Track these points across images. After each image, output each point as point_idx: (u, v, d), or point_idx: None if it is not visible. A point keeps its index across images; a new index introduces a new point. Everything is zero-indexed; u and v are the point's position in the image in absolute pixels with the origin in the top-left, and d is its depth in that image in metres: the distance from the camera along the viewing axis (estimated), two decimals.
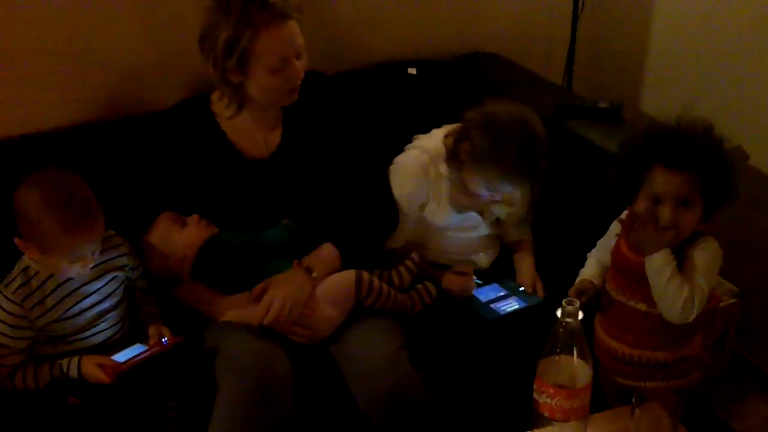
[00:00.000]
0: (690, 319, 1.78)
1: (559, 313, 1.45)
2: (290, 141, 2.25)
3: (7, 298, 1.87)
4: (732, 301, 2.52)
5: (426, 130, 2.37)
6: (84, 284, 1.94)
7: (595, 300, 1.95)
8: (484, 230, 2.32)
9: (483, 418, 2.01)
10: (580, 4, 2.98)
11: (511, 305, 2.23)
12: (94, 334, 1.98)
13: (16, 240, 1.85)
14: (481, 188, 2.17)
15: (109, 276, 1.99)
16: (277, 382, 1.91)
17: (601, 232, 2.04)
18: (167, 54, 2.44)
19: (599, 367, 1.82)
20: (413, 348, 2.03)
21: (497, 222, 2.39)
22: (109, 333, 2.00)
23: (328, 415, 1.99)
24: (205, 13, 2.10)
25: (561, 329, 1.46)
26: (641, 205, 1.79)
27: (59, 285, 1.91)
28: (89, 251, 1.88)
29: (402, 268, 2.20)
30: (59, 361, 1.91)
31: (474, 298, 2.26)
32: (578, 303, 1.45)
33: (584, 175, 2.42)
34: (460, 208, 2.28)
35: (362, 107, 2.38)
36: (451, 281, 2.26)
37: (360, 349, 2.03)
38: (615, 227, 1.96)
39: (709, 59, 2.87)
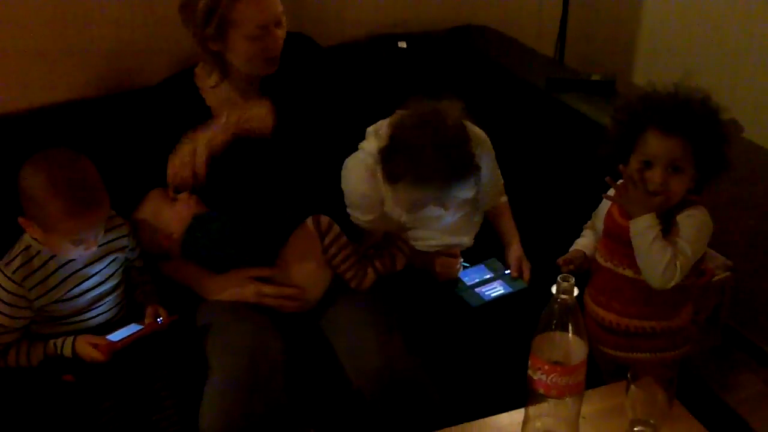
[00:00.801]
0: (670, 284, 1.76)
1: (554, 289, 1.43)
2: (279, 115, 2.19)
3: (6, 276, 1.86)
4: (725, 274, 2.52)
5: None
6: (85, 266, 1.93)
7: (585, 269, 1.94)
8: (449, 218, 2.22)
9: (476, 396, 2.00)
10: None
11: (496, 290, 2.22)
12: (93, 317, 1.98)
13: (20, 219, 1.84)
14: (424, 193, 2.09)
15: (110, 257, 1.98)
16: (269, 360, 1.91)
17: (594, 205, 2.03)
18: (155, 29, 2.41)
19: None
20: (403, 329, 2.02)
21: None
22: (107, 316, 2.00)
23: (320, 393, 1.98)
24: None
25: (556, 305, 1.44)
26: (633, 167, 1.78)
27: (61, 266, 1.90)
28: (93, 234, 1.87)
29: (395, 251, 2.17)
30: (53, 340, 1.91)
31: (459, 281, 2.25)
32: (573, 279, 1.42)
33: (577, 149, 2.41)
34: (415, 207, 2.18)
35: (350, 75, 2.37)
36: (436, 264, 2.23)
37: (350, 327, 2.02)
38: (611, 193, 1.95)
39: (702, 31, 2.86)
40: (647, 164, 1.76)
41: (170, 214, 2.09)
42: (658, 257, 1.74)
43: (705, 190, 1.83)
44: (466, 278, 2.25)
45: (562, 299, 1.43)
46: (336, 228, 2.07)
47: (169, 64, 2.37)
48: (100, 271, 1.96)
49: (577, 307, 1.45)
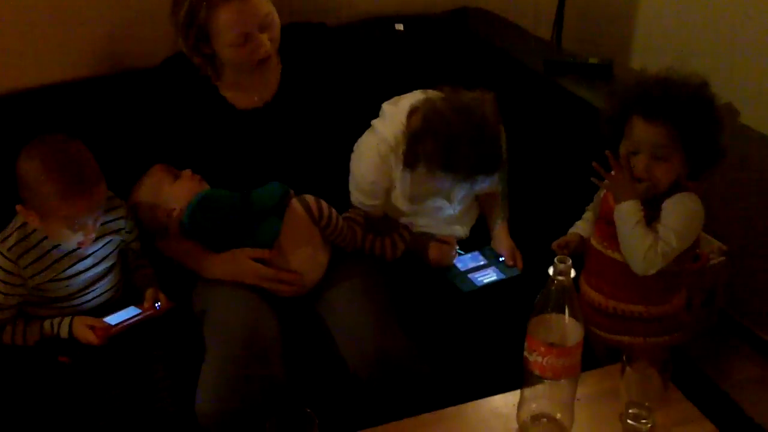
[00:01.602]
0: (652, 271, 1.76)
1: (551, 270, 1.43)
2: (285, 92, 2.23)
3: (2, 254, 1.86)
4: (720, 259, 2.52)
5: (413, 86, 2.31)
6: (73, 243, 1.91)
7: (580, 253, 1.94)
8: (450, 210, 2.26)
9: (472, 379, 2.00)
10: None
11: (489, 276, 2.22)
12: (89, 300, 1.98)
13: (18, 207, 1.84)
14: (445, 181, 2.11)
15: (106, 239, 1.98)
16: (265, 342, 1.91)
17: (589, 188, 2.02)
18: (153, 10, 2.38)
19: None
20: (399, 312, 2.03)
21: None
22: (103, 299, 2.01)
23: (316, 375, 1.99)
24: None
25: (552, 287, 1.44)
26: (622, 153, 1.78)
27: (56, 246, 1.90)
28: (90, 219, 1.87)
29: (387, 240, 2.18)
30: (50, 320, 1.91)
31: (453, 267, 2.25)
32: (570, 261, 1.42)
33: (574, 131, 2.40)
34: (421, 197, 2.21)
35: (357, 61, 2.36)
36: (431, 250, 2.23)
37: (346, 309, 2.02)
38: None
39: (699, 15, 2.85)
40: (634, 151, 1.76)
41: (172, 190, 2.08)
42: (636, 242, 1.75)
43: (704, 176, 1.82)
44: (460, 264, 2.26)
45: (559, 281, 1.43)
46: (324, 205, 2.07)
47: (168, 45, 2.33)
48: (94, 252, 1.96)
49: (573, 289, 1.45)
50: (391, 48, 2.65)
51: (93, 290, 1.98)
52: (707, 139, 1.74)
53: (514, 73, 2.62)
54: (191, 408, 1.81)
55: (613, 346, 1.90)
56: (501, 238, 2.30)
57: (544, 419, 1.56)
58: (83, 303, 1.98)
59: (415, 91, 2.21)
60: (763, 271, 2.63)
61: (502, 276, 2.22)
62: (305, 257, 2.06)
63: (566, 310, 1.45)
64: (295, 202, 2.05)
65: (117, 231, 2.01)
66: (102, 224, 1.95)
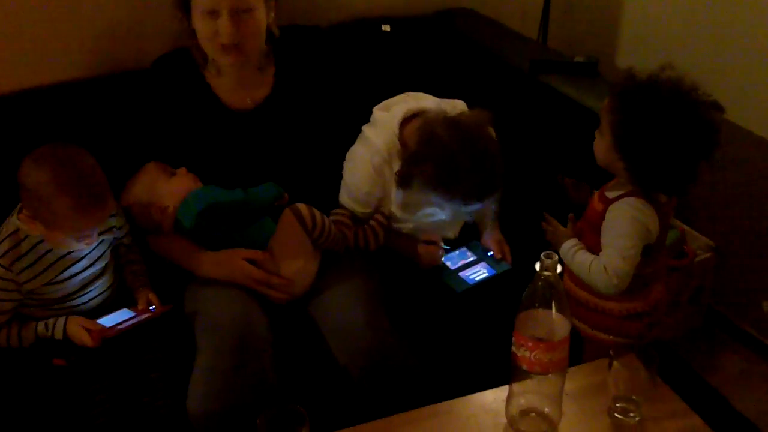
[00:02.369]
0: (618, 289, 1.80)
1: (537, 266, 1.44)
2: (278, 93, 2.24)
3: None
4: (707, 255, 2.54)
5: (402, 87, 2.32)
6: (74, 249, 1.92)
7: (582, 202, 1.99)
8: (442, 215, 2.23)
9: (461, 374, 2.01)
10: None
11: (481, 273, 2.23)
12: (85, 302, 1.98)
13: (21, 216, 1.84)
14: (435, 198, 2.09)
15: (99, 239, 1.98)
16: (256, 341, 1.92)
17: None
18: (146, 11, 2.40)
19: None
20: (389, 311, 2.04)
21: None
22: (99, 300, 2.01)
23: (308, 374, 1.99)
24: None
25: (539, 282, 1.45)
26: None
27: (49, 250, 1.90)
28: (96, 230, 1.88)
29: (368, 229, 2.18)
30: (44, 321, 1.91)
31: (444, 267, 2.24)
32: (556, 257, 1.44)
33: (560, 130, 2.42)
34: (414, 206, 2.20)
35: (347, 62, 2.37)
36: (419, 252, 2.23)
37: (338, 307, 2.03)
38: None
39: (685, 12, 2.86)
40: None
41: (166, 188, 2.08)
42: (583, 271, 1.83)
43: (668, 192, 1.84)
44: (450, 262, 2.26)
45: (545, 276, 1.44)
46: (317, 215, 2.07)
47: (161, 46, 2.35)
48: (89, 253, 1.96)
49: (560, 284, 1.47)
50: (379, 49, 2.65)
51: (89, 291, 1.98)
52: (652, 146, 1.72)
53: (500, 73, 2.63)
54: (184, 408, 1.81)
55: (586, 336, 1.94)
56: (490, 233, 2.32)
57: (533, 414, 1.57)
58: (80, 304, 1.98)
59: (406, 93, 2.22)
60: (748, 267, 2.66)
61: (493, 272, 2.23)
62: (296, 266, 2.06)
63: (553, 305, 1.47)
64: (288, 212, 2.05)
65: (109, 230, 2.01)
66: None
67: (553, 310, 1.47)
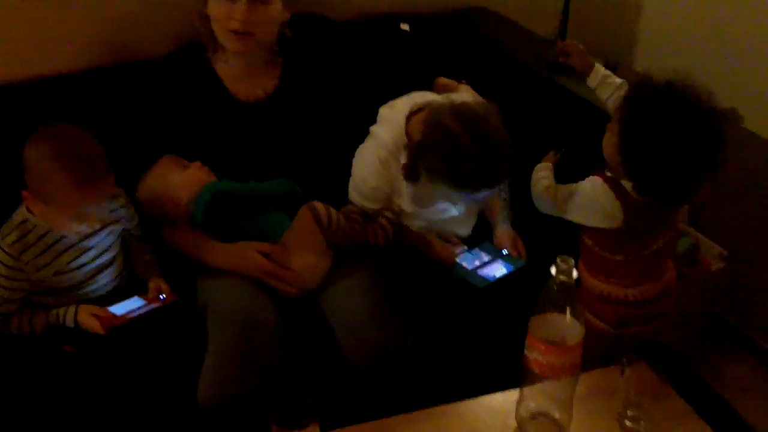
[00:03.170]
0: (539, 199, 1.94)
1: (552, 270, 1.44)
2: (286, 85, 2.25)
3: (3, 250, 1.87)
4: (721, 265, 2.53)
5: (417, 85, 2.32)
6: (82, 239, 1.94)
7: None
8: (454, 212, 2.25)
9: (471, 374, 2.01)
10: None
11: (499, 270, 2.21)
12: (94, 290, 1.99)
13: (24, 193, 1.84)
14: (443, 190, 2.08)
15: (107, 229, 1.99)
16: (265, 332, 1.92)
17: None
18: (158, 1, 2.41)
19: None
20: (399, 309, 2.03)
21: None
22: (107, 288, 2.02)
23: (316, 366, 2.00)
24: None
25: (554, 286, 1.44)
26: None
27: (57, 240, 1.91)
28: (96, 209, 1.88)
29: (377, 226, 2.17)
30: (55, 309, 1.93)
31: (458, 266, 2.23)
32: (572, 261, 1.43)
33: (576, 131, 2.41)
34: (426, 200, 2.20)
35: (361, 57, 2.37)
36: (435, 248, 2.23)
37: (346, 300, 2.03)
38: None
39: (703, 19, 2.85)
40: None
41: (180, 180, 2.09)
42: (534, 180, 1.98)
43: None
44: (465, 262, 2.24)
45: (561, 280, 1.44)
46: (332, 213, 2.07)
47: (173, 37, 2.37)
48: (97, 243, 1.97)
49: (575, 288, 1.46)
50: (395, 46, 2.65)
51: (98, 280, 1.99)
52: (651, 152, 1.73)
53: (518, 74, 2.63)
54: (194, 399, 1.81)
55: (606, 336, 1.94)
56: (503, 232, 2.31)
57: (543, 418, 1.56)
58: (88, 293, 1.99)
59: (411, 93, 2.21)
60: (756, 274, 2.65)
61: (511, 268, 2.21)
62: (308, 263, 2.06)
63: (567, 310, 1.46)
64: (305, 209, 2.06)
65: (117, 220, 2.02)
66: None
67: (568, 315, 1.46)
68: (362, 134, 2.23)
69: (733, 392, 2.54)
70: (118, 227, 2.03)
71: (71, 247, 1.93)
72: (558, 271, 1.44)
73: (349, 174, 2.21)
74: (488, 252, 2.29)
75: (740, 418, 2.40)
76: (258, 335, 1.90)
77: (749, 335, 2.72)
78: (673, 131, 1.71)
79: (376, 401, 1.82)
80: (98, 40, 2.38)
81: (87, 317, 1.91)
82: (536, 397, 1.55)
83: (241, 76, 2.22)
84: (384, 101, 2.25)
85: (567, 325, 1.47)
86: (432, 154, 1.96)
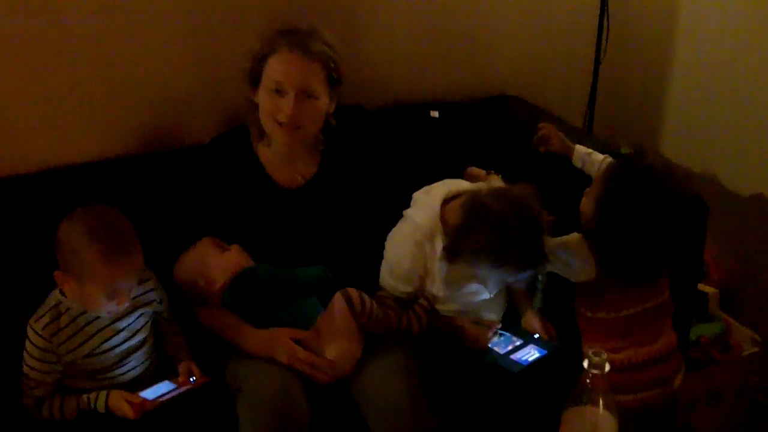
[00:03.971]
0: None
1: (585, 363, 1.44)
2: (325, 172, 2.31)
3: (36, 332, 1.88)
4: (754, 349, 2.51)
5: (450, 171, 2.36)
6: (114, 321, 1.95)
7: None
8: (485, 295, 2.25)
9: None
10: (602, 51, 3.01)
11: (532, 354, 2.19)
12: (124, 373, 1.99)
13: (56, 273, 1.86)
14: (479, 270, 2.09)
15: (138, 312, 2.00)
16: (296, 418, 1.91)
17: None
18: (205, 88, 2.48)
19: None
20: (430, 394, 2.02)
21: None
22: (138, 371, 2.01)
23: None
24: None
25: (587, 380, 1.45)
26: None
27: (89, 322, 1.92)
28: (127, 286, 1.89)
29: (411, 314, 2.18)
30: (86, 394, 1.93)
31: (490, 350, 2.21)
32: (605, 354, 1.44)
33: None
34: (458, 283, 2.21)
35: (395, 145, 2.43)
36: (468, 332, 2.22)
37: (378, 386, 2.02)
38: None
39: (726, 105, 2.88)
40: None
41: (217, 262, 2.12)
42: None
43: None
44: (498, 347, 2.22)
45: (594, 374, 1.44)
46: (366, 300, 2.07)
47: (215, 124, 2.44)
48: (128, 326, 1.98)
49: (607, 380, 1.46)
50: (427, 133, 2.70)
51: (128, 362, 1.99)
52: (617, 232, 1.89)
53: (546, 159, 2.65)
54: None
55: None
56: (532, 317, 2.30)
57: None
58: (119, 375, 1.99)
59: (445, 180, 2.25)
60: None
61: (544, 352, 2.19)
62: (341, 349, 2.05)
63: (600, 403, 1.46)
64: (338, 296, 2.06)
65: (149, 303, 2.03)
66: (134, 297, 1.97)
67: (600, 407, 1.46)
68: (394, 219, 2.26)
69: None
70: (149, 310, 2.04)
71: (103, 329, 1.94)
72: (590, 365, 1.45)
73: (381, 259, 2.24)
74: (520, 336, 2.27)
75: None
76: (291, 423, 1.89)
77: None
78: (643, 218, 1.87)
79: None
80: (140, 127, 2.43)
81: (118, 402, 1.90)
82: None
83: (283, 162, 2.28)
84: (416, 187, 2.29)
85: (599, 418, 1.47)
86: (476, 233, 1.98)
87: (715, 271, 2.89)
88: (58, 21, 2.21)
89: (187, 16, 2.38)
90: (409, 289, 2.20)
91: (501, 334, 2.28)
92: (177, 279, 2.16)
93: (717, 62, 2.91)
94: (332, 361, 2.03)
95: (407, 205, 2.26)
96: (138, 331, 2.00)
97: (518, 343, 2.25)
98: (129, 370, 2.00)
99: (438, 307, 2.23)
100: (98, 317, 1.93)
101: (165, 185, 2.33)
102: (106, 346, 1.94)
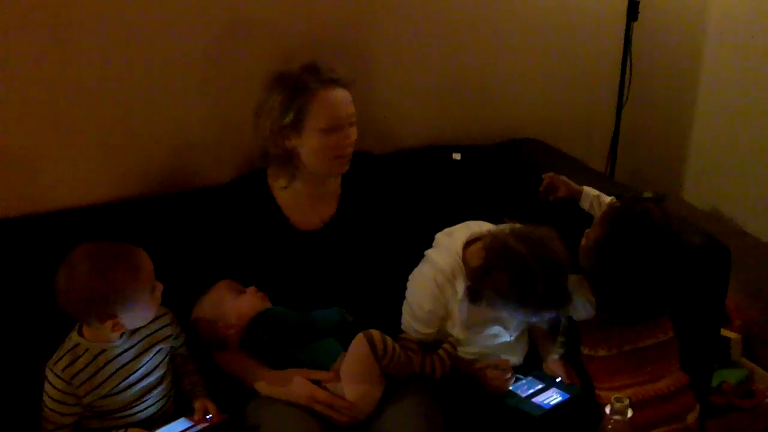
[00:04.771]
0: None
1: (607, 409, 1.44)
2: (344, 214, 2.31)
3: (56, 374, 1.89)
4: None
5: (470, 214, 2.36)
6: (133, 359, 1.95)
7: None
8: (506, 337, 2.25)
9: None
10: (624, 95, 3.02)
11: (554, 398, 2.16)
12: (141, 410, 1.99)
13: (108, 323, 1.86)
14: (501, 312, 2.12)
15: (155, 349, 2.00)
16: None
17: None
18: (222, 130, 2.50)
19: None
20: None
21: None
22: (155, 408, 2.01)
23: None
24: (263, 90, 2.21)
25: (609, 426, 1.45)
26: None
27: (108, 361, 1.92)
28: (149, 305, 1.92)
29: (435, 358, 2.17)
30: None
31: (512, 393, 2.19)
32: (627, 401, 1.44)
33: None
34: (479, 326, 2.21)
35: (414, 187, 2.44)
36: (488, 375, 2.20)
37: (398, 429, 2.00)
38: None
39: (749, 150, 2.89)
40: None
41: (234, 306, 2.13)
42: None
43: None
44: (519, 390, 2.20)
45: (616, 420, 1.44)
46: (388, 342, 2.06)
47: (233, 166, 2.46)
48: (146, 363, 1.98)
49: (630, 427, 1.46)
50: (448, 175, 2.71)
51: (146, 400, 1.99)
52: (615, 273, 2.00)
53: (568, 204, 2.65)
54: None
55: None
56: (554, 361, 2.28)
57: None
58: (137, 413, 1.99)
59: (467, 222, 2.26)
60: None
61: (567, 396, 2.16)
62: (361, 391, 2.03)
63: None
64: (360, 337, 2.05)
65: (165, 339, 2.04)
66: (151, 334, 1.99)
67: None
68: (414, 261, 2.27)
69: None
70: (165, 346, 2.04)
71: (122, 367, 1.94)
72: (612, 410, 1.45)
73: (401, 301, 2.24)
74: (541, 379, 2.25)
75: None
76: None
77: None
78: (638, 261, 1.98)
79: None
80: (157, 168, 2.45)
81: None
82: None
83: (302, 204, 2.29)
84: (437, 228, 2.30)
85: None
86: (499, 273, 2.00)
87: (738, 316, 2.88)
88: (78, 64, 2.25)
89: (206, 60, 2.41)
90: (430, 331, 2.20)
91: (520, 378, 2.25)
92: (194, 323, 2.17)
93: (740, 107, 2.92)
94: (352, 402, 2.02)
95: (428, 246, 2.27)
96: (156, 367, 2.01)
97: (540, 387, 2.22)
98: (147, 407, 2.00)
99: (458, 349, 2.23)
100: (118, 356, 1.93)
101: (182, 227, 2.34)
102: (124, 384, 1.94)
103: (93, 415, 1.95)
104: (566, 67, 3.04)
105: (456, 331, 2.19)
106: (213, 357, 2.17)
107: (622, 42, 3.00)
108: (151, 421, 1.99)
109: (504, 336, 2.24)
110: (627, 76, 3.02)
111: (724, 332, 2.79)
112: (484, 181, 2.73)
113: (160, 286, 1.94)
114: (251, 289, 2.17)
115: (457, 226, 2.27)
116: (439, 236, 2.26)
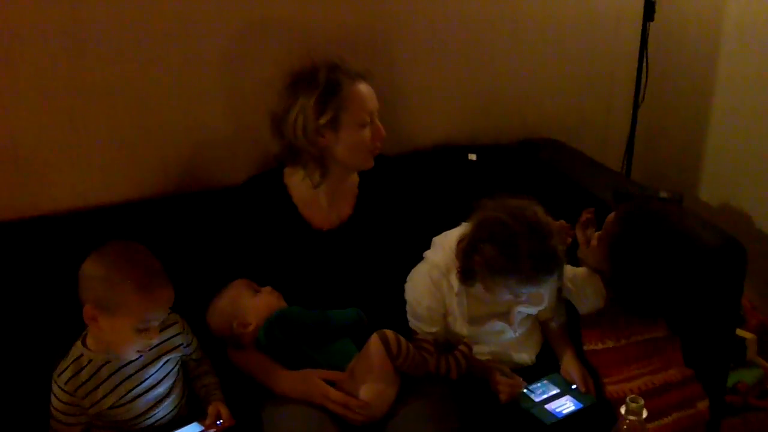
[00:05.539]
0: None
1: (622, 409, 1.45)
2: (361, 214, 2.33)
3: (59, 386, 1.89)
4: None
5: None
6: (138, 370, 1.94)
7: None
8: (511, 334, 2.26)
9: None
10: (640, 95, 3.02)
11: (567, 406, 2.15)
12: (152, 421, 1.98)
13: (86, 308, 1.83)
14: (504, 294, 2.11)
15: (164, 359, 1.99)
16: None
17: None
18: (238, 129, 2.52)
19: None
20: None
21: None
22: (167, 418, 2.01)
23: None
24: (284, 92, 2.21)
25: (624, 426, 1.45)
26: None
27: (113, 372, 1.92)
28: (157, 319, 1.87)
29: (451, 358, 2.18)
30: None
31: (526, 398, 2.18)
32: (642, 401, 1.44)
33: None
34: (480, 320, 2.23)
35: (428, 188, 2.46)
36: (499, 386, 2.19)
37: (412, 429, 2.01)
38: None
39: (765, 151, 2.88)
40: None
41: (250, 305, 2.14)
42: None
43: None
44: (534, 394, 2.19)
45: (631, 420, 1.45)
46: (402, 342, 2.07)
47: (250, 165, 2.48)
48: (153, 374, 1.97)
49: (645, 428, 1.46)
50: (463, 175, 2.73)
51: (156, 411, 1.99)
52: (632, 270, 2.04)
53: (584, 203, 2.65)
54: None
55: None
56: (571, 365, 2.27)
57: None
58: (149, 424, 1.98)
59: (463, 224, 2.27)
60: None
61: (580, 405, 2.16)
62: (376, 390, 2.04)
63: None
64: (375, 337, 2.06)
65: (176, 348, 2.03)
66: (160, 344, 1.97)
67: None
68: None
69: None
70: (175, 355, 2.03)
71: (126, 379, 1.92)
72: (627, 411, 1.45)
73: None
74: (557, 385, 2.24)
75: None
76: None
77: None
78: (650, 259, 2.02)
79: None
80: (175, 168, 2.47)
81: None
82: None
83: (318, 203, 2.31)
84: (450, 226, 2.30)
85: None
86: (485, 244, 2.04)
87: (753, 316, 2.87)
88: (94, 63, 2.26)
89: (224, 58, 2.43)
90: (434, 329, 2.22)
91: (538, 381, 2.25)
92: (210, 322, 2.18)
93: (756, 107, 2.91)
94: (366, 402, 2.03)
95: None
96: (164, 378, 2.00)
97: (555, 392, 2.22)
98: (158, 419, 2.00)
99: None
100: (122, 367, 1.92)
101: (198, 226, 2.36)
102: (130, 396, 1.93)
103: (105, 425, 1.96)
104: (583, 67, 3.04)
105: (458, 326, 2.21)
106: (228, 355, 2.19)
107: (639, 42, 3.00)
108: (164, 428, 1.99)
109: (508, 332, 2.25)
110: (643, 76, 3.02)
111: (740, 332, 2.78)
112: (500, 181, 2.72)
113: (153, 335, 1.89)
114: (267, 289, 2.19)
115: (454, 228, 2.28)
116: (436, 238, 2.29)
